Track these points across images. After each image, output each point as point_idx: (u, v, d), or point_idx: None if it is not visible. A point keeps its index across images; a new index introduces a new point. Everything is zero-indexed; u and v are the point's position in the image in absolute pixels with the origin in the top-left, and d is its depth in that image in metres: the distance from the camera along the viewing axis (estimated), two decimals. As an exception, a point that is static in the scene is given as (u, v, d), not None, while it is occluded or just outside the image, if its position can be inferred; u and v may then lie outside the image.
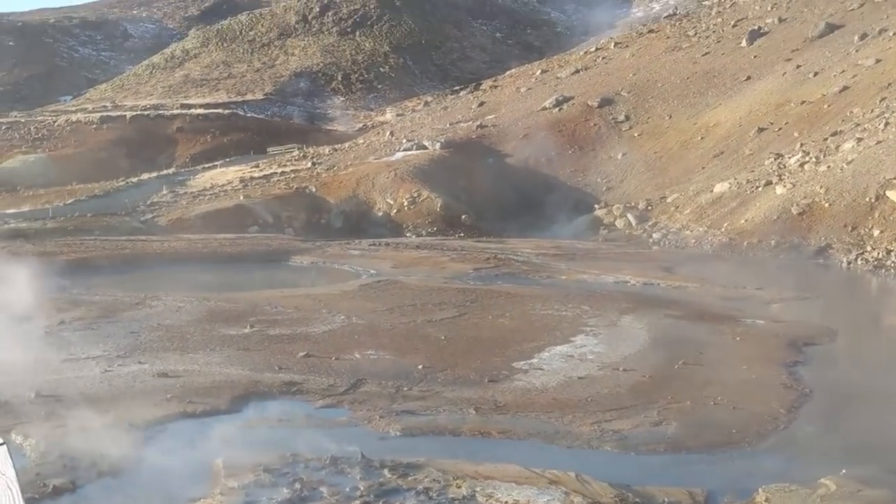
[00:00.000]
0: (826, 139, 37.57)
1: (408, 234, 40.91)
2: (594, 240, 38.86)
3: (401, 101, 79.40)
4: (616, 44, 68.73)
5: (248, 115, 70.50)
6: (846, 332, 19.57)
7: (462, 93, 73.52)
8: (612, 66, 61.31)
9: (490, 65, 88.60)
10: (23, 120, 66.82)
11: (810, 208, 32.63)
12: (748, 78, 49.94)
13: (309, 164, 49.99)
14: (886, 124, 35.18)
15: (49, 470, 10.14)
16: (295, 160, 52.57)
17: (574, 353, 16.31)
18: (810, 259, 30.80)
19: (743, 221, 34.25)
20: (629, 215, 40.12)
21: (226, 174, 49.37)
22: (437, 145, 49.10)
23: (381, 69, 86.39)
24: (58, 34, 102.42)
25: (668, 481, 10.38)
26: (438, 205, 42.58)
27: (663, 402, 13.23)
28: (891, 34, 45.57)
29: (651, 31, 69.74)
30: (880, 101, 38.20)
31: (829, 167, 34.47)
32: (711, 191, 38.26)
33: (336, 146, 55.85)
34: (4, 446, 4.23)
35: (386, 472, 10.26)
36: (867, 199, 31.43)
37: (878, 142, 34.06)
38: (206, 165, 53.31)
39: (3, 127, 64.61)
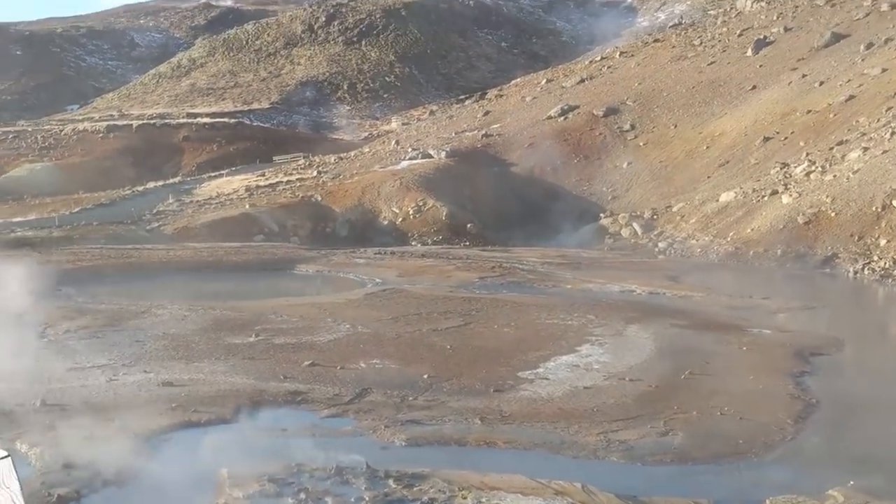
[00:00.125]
0: (832, 148, 37.50)
1: (413, 243, 40.92)
2: (599, 249, 38.82)
3: (406, 110, 79.58)
4: (621, 53, 68.77)
5: (254, 124, 70.73)
6: (853, 342, 19.47)
7: (467, 102, 73.64)
8: (617, 75, 61.35)
9: (495, 74, 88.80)
10: (30, 129, 67.14)
11: (816, 218, 32.54)
12: (754, 87, 49.92)
13: (314, 173, 50.07)
14: (893, 133, 35.10)
15: (54, 479, 10.12)
16: (300, 169, 52.67)
17: (580, 363, 16.26)
18: (816, 268, 30.70)
19: (749, 231, 34.17)
20: (635, 224, 40.06)
21: (231, 183, 49.48)
22: (443, 154, 49.15)
23: (386, 78, 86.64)
24: (65, 43, 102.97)
25: (674, 492, 10.32)
26: (444, 213, 42.58)
27: (669, 412, 13.16)
28: (897, 43, 45.55)
29: (656, 40, 69.79)
30: (886, 111, 38.12)
31: (835, 176, 34.39)
32: (717, 200, 38.20)
33: (342, 155, 55.98)
34: (8, 459, 4.21)
35: (391, 482, 10.21)
36: (873, 209, 31.33)
37: (885, 151, 33.98)
38: (212, 174, 53.47)
39: (10, 136, 64.91)
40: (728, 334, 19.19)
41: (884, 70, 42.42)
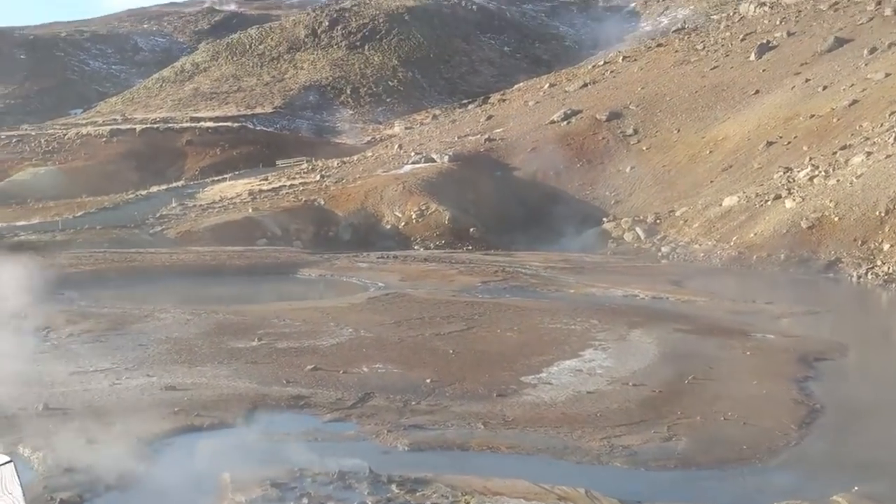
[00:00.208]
0: (835, 153, 37.46)
1: (416, 247, 40.92)
2: (602, 253, 38.78)
3: (409, 115, 79.61)
4: (624, 57, 68.79)
5: (258, 128, 70.80)
6: (857, 347, 19.43)
7: (470, 106, 73.68)
8: (620, 79, 61.35)
9: (498, 78, 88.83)
10: (33, 133, 67.25)
11: (820, 222, 32.49)
12: (757, 92, 49.88)
13: (317, 177, 50.11)
14: (896, 138, 35.07)
15: (56, 483, 10.11)
16: (304, 173, 52.72)
17: (583, 368, 16.23)
18: (820, 273, 30.64)
19: (752, 235, 34.13)
20: (638, 229, 40.02)
21: (235, 187, 49.54)
22: (446, 158, 49.16)
23: (389, 83, 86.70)
24: (69, 48, 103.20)
25: (678, 498, 10.30)
26: (447, 218, 42.59)
27: (673, 417, 13.14)
28: (900, 48, 45.52)
29: (659, 44, 69.82)
30: (890, 115, 38.07)
31: (838, 181, 34.34)
32: (720, 204, 38.15)
33: (344, 159, 56.01)
34: (11, 464, 4.20)
35: (394, 487, 10.20)
36: (877, 213, 31.29)
37: (888, 156, 33.93)
38: (216, 178, 53.53)
39: (14, 139, 65.03)
40: (731, 339, 19.15)
41: (887, 75, 42.38)
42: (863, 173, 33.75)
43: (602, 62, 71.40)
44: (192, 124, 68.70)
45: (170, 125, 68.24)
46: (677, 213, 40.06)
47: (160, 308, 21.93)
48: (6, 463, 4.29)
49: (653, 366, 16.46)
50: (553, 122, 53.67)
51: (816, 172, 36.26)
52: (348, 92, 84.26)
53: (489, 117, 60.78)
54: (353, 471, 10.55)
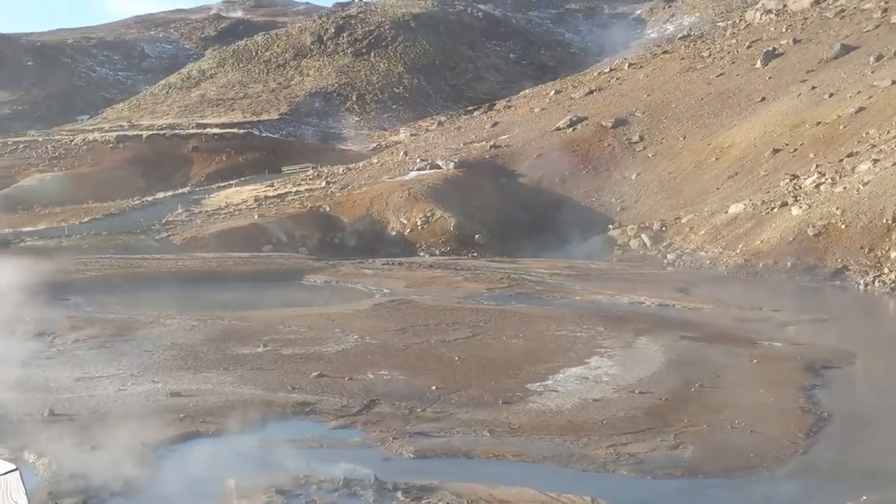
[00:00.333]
0: (842, 160, 37.37)
1: (421, 254, 40.92)
2: (608, 260, 38.71)
3: (415, 121, 79.77)
4: (630, 64, 68.81)
5: (264, 134, 70.99)
6: (864, 355, 19.31)
7: (476, 113, 73.78)
8: (626, 86, 61.37)
9: (504, 85, 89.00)
10: (40, 139, 67.52)
11: (826, 230, 32.39)
12: (763, 99, 49.84)
13: (323, 184, 50.17)
14: (903, 145, 34.98)
15: (61, 490, 10.09)
16: (309, 179, 52.80)
17: (589, 375, 16.17)
18: (826, 281, 30.53)
19: (758, 242, 34.04)
20: (643, 236, 39.96)
21: (240, 193, 49.63)
22: (451, 165, 49.19)
23: (395, 89, 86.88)
24: (76, 54, 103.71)
25: (685, 506, 10.22)
26: (452, 224, 42.59)
27: (680, 425, 13.06)
28: (907, 55, 45.46)
29: (665, 51, 69.82)
30: (896, 123, 38.00)
31: (845, 188, 34.25)
32: (726, 212, 38.08)
33: (350, 165, 56.10)
34: (16, 472, 4.18)
35: (399, 494, 10.16)
36: (884, 221, 31.18)
37: (895, 163, 33.83)
38: (221, 184, 53.66)
39: (21, 145, 65.28)
40: (738, 347, 19.06)
41: (893, 82, 42.29)
42: (870, 181, 33.65)
43: (608, 69, 71.45)
44: (199, 130, 68.92)
45: (176, 131, 68.45)
46: (683, 220, 40.00)
47: (166, 314, 21.94)
48: (11, 471, 4.26)
49: (659, 373, 16.39)
50: (559, 128, 53.69)
51: (823, 180, 36.17)
52: (354, 98, 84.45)
53: (495, 124, 60.83)
54: (359, 478, 10.52)
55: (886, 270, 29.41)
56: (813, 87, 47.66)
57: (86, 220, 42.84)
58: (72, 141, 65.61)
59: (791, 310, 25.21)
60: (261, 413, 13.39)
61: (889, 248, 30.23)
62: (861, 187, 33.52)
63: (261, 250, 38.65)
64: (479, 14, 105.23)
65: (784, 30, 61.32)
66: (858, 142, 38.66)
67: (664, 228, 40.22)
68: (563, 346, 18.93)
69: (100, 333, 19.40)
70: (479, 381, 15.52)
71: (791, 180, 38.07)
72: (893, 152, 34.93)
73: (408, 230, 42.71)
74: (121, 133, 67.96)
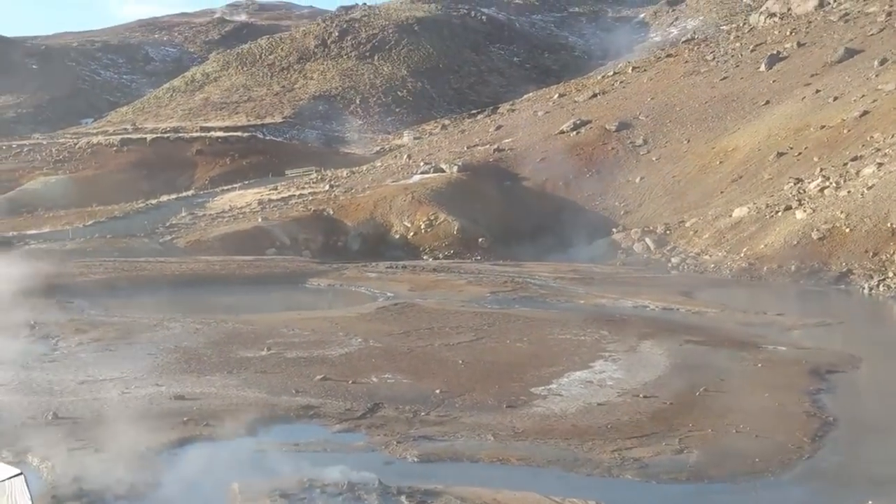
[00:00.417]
0: (846, 164, 37.30)
1: (425, 257, 40.91)
2: (612, 264, 38.65)
3: (418, 125, 79.80)
4: (634, 68, 68.80)
5: (267, 137, 71.06)
6: (869, 360, 19.22)
7: (479, 116, 73.80)
8: (629, 90, 61.35)
9: (507, 88, 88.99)
10: (44, 142, 67.63)
11: (831, 234, 32.32)
12: (767, 102, 49.79)
13: (327, 187, 50.20)
14: (908, 149, 34.91)
15: (65, 493, 10.07)
16: (313, 183, 52.84)
17: (593, 379, 16.13)
18: (831, 285, 30.46)
19: (762, 246, 33.97)
20: (647, 239, 39.90)
21: (244, 196, 49.66)
22: (455, 168, 49.19)
23: (398, 93, 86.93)
24: (80, 57, 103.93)
25: (690, 511, 10.18)
26: (455, 228, 42.57)
27: (684, 429, 13.02)
28: (911, 59, 45.39)
29: (669, 55, 69.80)
30: (901, 126, 37.93)
31: (849, 192, 34.18)
32: (730, 215, 38.02)
33: (354, 169, 56.12)
34: (22, 476, 4.17)
35: (403, 498, 10.12)
36: (888, 225, 31.11)
37: (900, 167, 33.78)
38: (225, 188, 53.70)
39: (25, 149, 65.39)
40: (743, 351, 19.02)
41: (898, 85, 42.25)
42: (874, 184, 33.59)
43: (611, 72, 71.46)
44: (202, 134, 69.00)
45: (180, 135, 68.53)
46: (687, 224, 39.93)
47: (169, 317, 21.94)
48: (16, 475, 4.25)
49: (664, 377, 16.34)
50: (562, 132, 53.68)
51: (827, 183, 36.10)
52: (357, 102, 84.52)
53: (498, 127, 60.83)
54: (363, 482, 10.48)
55: (891, 274, 29.33)
56: (817, 91, 47.60)
57: (90, 223, 42.90)
58: (76, 144, 65.72)
59: (795, 314, 25.14)
60: (264, 416, 13.37)
61: (893, 252, 30.16)
62: (865, 191, 33.45)
63: (264, 253, 38.66)
64: (483, 18, 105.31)
65: (788, 33, 61.28)
66: (863, 146, 38.59)
67: (668, 232, 40.16)
68: (567, 349, 18.89)
69: (103, 336, 19.41)
70: (483, 385, 15.49)
71: (795, 184, 38.00)
72: (898, 156, 34.87)
73: (411, 234, 42.71)
74: (125, 136, 68.07)
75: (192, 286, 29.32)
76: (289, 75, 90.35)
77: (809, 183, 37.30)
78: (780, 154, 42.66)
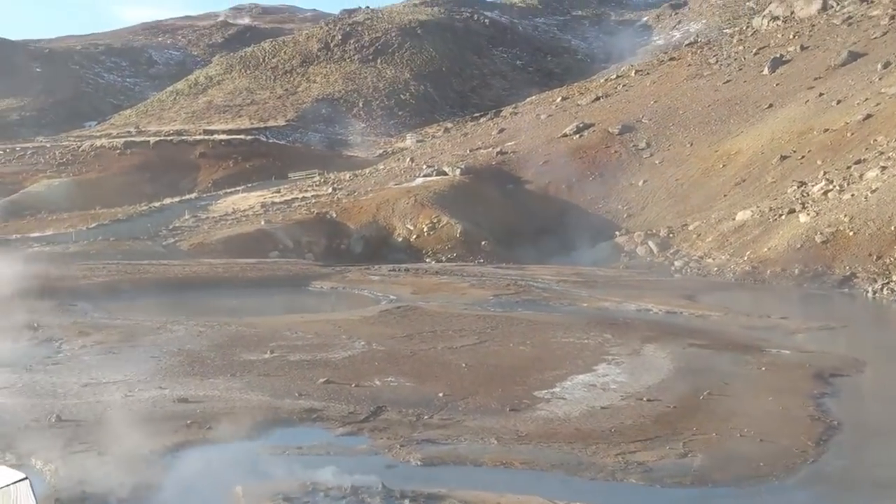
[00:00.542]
0: (849, 167, 37.27)
1: (427, 260, 40.90)
2: (615, 267, 38.63)
3: (421, 128, 79.85)
4: (637, 71, 68.78)
5: (270, 140, 71.10)
6: (874, 363, 19.20)
7: (482, 119, 73.83)
8: (632, 93, 61.34)
9: (510, 92, 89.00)
10: (48, 145, 67.71)
11: (834, 237, 32.28)
12: (770, 106, 49.76)
13: (329, 190, 50.23)
14: (911, 152, 34.86)
15: (68, 496, 10.06)
16: (316, 186, 52.87)
17: (597, 383, 16.11)
18: (835, 288, 30.42)
19: (766, 250, 33.93)
20: (650, 242, 39.88)
21: (247, 199, 49.71)
22: (457, 171, 49.20)
23: (401, 96, 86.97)
24: (84, 60, 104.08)
25: (694, 515, 10.15)
26: (458, 231, 42.57)
27: (688, 433, 12.99)
28: (915, 62, 45.34)
29: (672, 58, 69.80)
30: (905, 130, 37.88)
31: (853, 195, 34.15)
32: (733, 218, 37.99)
33: (356, 172, 56.15)
34: (27, 481, 4.16)
35: (407, 502, 10.11)
36: (892, 228, 31.06)
37: (904, 170, 33.74)
38: (228, 190, 53.76)
39: (29, 151, 65.48)
40: (746, 354, 18.98)
41: (902, 89, 42.20)
42: (877, 188, 33.55)
43: (614, 76, 71.45)
44: (206, 137, 69.06)
45: (183, 138, 68.59)
46: (690, 227, 39.90)
47: (172, 320, 21.94)
48: (22, 480, 4.25)
49: (667, 381, 16.31)
50: (565, 135, 53.67)
51: (831, 187, 36.07)
52: (360, 105, 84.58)
53: (501, 130, 60.85)
54: (366, 485, 10.47)
55: (895, 278, 29.26)
56: (820, 94, 47.56)
57: (93, 225, 42.93)
58: (79, 147, 65.78)
59: (799, 317, 25.10)
60: (268, 420, 13.36)
61: (898, 256, 30.09)
62: (869, 194, 33.41)
63: (267, 256, 38.68)
64: (486, 21, 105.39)
65: (791, 36, 61.25)
66: (866, 149, 38.54)
67: (671, 235, 40.14)
68: (571, 353, 18.86)
69: (107, 339, 19.40)
70: (486, 389, 15.47)
71: (799, 187, 37.96)
72: (902, 159, 34.82)
73: (414, 236, 42.71)
74: (128, 139, 68.14)
75: (196, 289, 29.32)
76: (292, 78, 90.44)
77: (813, 186, 37.26)
78: (783, 157, 42.64)
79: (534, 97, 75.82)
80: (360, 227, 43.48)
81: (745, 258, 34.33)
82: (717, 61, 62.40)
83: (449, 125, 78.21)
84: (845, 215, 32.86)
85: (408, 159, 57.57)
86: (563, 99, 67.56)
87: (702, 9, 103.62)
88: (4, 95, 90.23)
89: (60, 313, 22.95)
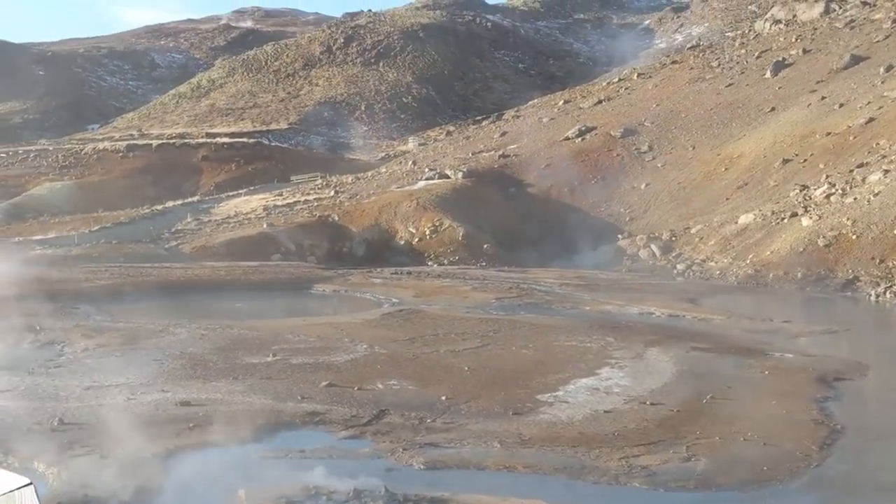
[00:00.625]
0: (852, 171, 37.22)
1: (430, 263, 40.88)
2: (617, 270, 38.59)
3: (423, 131, 79.86)
4: (639, 74, 68.78)
5: (273, 144, 71.16)
6: (877, 367, 19.16)
7: (484, 122, 73.86)
8: (635, 96, 61.33)
9: (512, 95, 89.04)
10: (51, 148, 67.79)
11: (837, 240, 32.23)
12: (772, 109, 49.73)
13: (332, 193, 50.24)
14: (914, 156, 34.82)
15: (71, 500, 10.06)
16: (318, 189, 52.87)
17: (599, 386, 16.08)
18: (837, 292, 30.37)
19: (768, 253, 33.89)
20: (653, 246, 39.85)
21: (250, 202, 49.73)
22: (460, 174, 49.20)
23: (403, 99, 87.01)
24: (86, 64, 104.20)
25: (698, 519, 10.12)
26: (460, 234, 42.55)
27: (692, 437, 12.97)
28: (917, 66, 45.30)
29: (674, 61, 69.79)
30: (907, 133, 37.83)
31: (855, 199, 34.10)
32: (736, 222, 37.95)
33: (359, 175, 56.16)
34: (31, 486, 4.14)
35: (410, 506, 10.11)
36: (895, 232, 31.01)
37: (906, 174, 33.69)
38: (231, 194, 53.80)
39: (32, 154, 65.56)
40: (749, 358, 18.95)
41: (904, 92, 42.16)
42: (880, 191, 33.51)
43: (616, 79, 71.43)
44: (208, 140, 69.15)
45: (186, 141, 68.68)
46: (693, 231, 39.87)
47: (175, 323, 21.93)
48: (26, 485, 4.23)
49: (670, 384, 16.29)
50: (567, 138, 53.67)
51: (833, 190, 36.02)
52: (363, 108, 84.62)
53: (503, 134, 60.85)
54: (369, 489, 10.46)
55: (898, 281, 29.21)
56: (823, 98, 47.53)
57: (95, 228, 42.97)
58: (82, 150, 65.87)
59: (802, 321, 25.08)
60: (270, 423, 13.35)
61: (900, 259, 30.04)
62: (871, 198, 33.37)
63: (270, 259, 38.70)
64: (488, 24, 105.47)
65: (794, 40, 61.24)
66: (869, 152, 38.50)
67: (673, 238, 40.11)
68: (574, 356, 18.84)
69: (109, 342, 19.40)
70: (489, 392, 15.45)
71: (801, 191, 37.92)
72: (904, 163, 34.78)
73: (416, 240, 42.70)
74: (131, 142, 68.23)
75: (198, 292, 29.31)
76: (294, 81, 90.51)
77: (815, 190, 37.22)
78: (785, 161, 42.59)
79: (536, 100, 75.82)
80: (363, 231, 43.48)
81: (748, 262, 34.29)
82: (719, 65, 62.39)
83: (451, 128, 78.22)
84: (848, 219, 32.83)
85: (410, 162, 57.57)
86: (566, 102, 67.56)
87: (704, 12, 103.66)
88: (7, 98, 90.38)
89: (63, 316, 22.94)
